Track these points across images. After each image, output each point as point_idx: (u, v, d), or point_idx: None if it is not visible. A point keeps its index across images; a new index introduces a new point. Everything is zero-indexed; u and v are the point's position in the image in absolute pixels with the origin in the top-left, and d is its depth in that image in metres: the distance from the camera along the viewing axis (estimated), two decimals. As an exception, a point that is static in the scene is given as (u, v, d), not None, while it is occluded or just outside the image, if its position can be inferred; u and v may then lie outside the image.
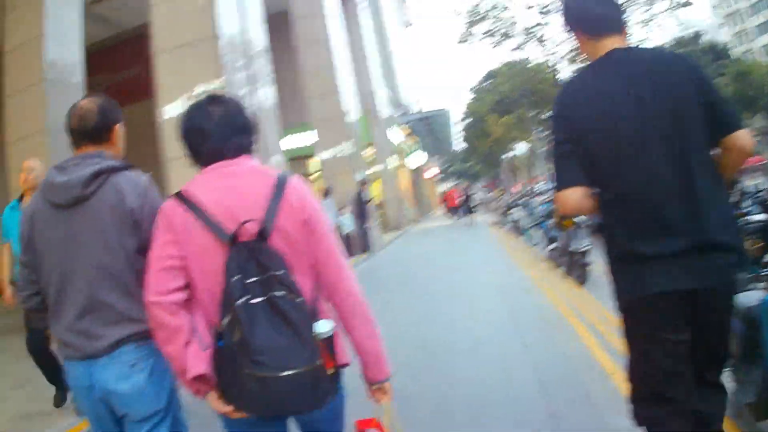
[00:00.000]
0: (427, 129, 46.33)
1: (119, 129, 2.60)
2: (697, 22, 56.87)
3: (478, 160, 74.26)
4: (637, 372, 2.61)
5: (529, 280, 10.49)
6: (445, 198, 40.92)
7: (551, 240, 12.46)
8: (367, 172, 29.96)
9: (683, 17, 46.79)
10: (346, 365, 2.27)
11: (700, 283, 2.36)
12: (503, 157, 67.50)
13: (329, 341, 2.12)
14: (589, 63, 2.63)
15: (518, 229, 20.01)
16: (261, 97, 11.39)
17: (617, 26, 2.62)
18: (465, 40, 34.55)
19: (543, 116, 44.62)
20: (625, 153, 2.42)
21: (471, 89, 62.94)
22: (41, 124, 8.88)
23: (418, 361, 6.13)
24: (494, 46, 33.71)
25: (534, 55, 36.96)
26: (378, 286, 12.08)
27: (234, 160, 2.23)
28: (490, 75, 56.29)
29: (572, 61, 34.04)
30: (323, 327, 2.09)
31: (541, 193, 24.33)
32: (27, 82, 9.21)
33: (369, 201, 18.85)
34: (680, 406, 2.48)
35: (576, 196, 2.49)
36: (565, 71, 35.25)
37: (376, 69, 30.63)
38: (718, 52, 55.88)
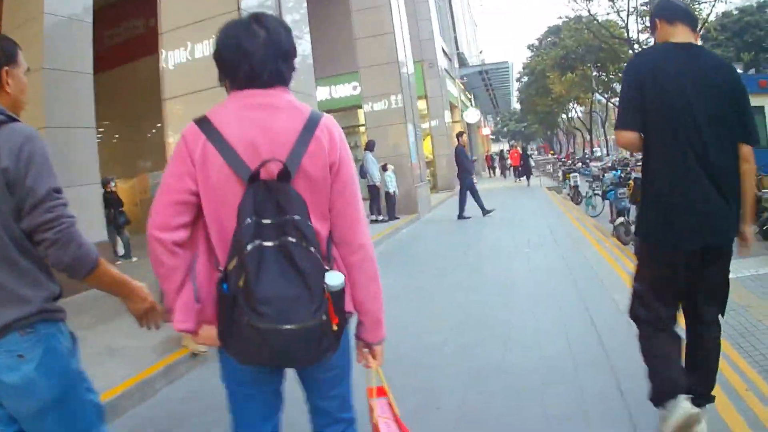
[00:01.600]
0: (486, 84, 44.15)
1: (12, 73, 2.23)
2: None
3: (535, 120, 72.05)
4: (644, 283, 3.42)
5: (598, 264, 8.83)
6: (510, 156, 39.57)
7: (620, 213, 11.34)
8: (422, 127, 28.38)
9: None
10: (350, 315, 2.21)
11: (708, 242, 3.14)
12: (562, 117, 65.27)
13: (339, 296, 2.01)
14: (666, 42, 3.31)
15: (578, 196, 18.92)
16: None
17: (691, 22, 3.35)
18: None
19: (607, 76, 42.65)
20: (670, 122, 3.12)
21: (529, 46, 60.29)
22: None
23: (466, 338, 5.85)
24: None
25: (602, 10, 36.44)
26: (416, 258, 10.49)
27: (269, 91, 2.13)
28: (552, 31, 53.78)
29: (642, 16, 32.47)
30: (335, 279, 1.97)
31: (598, 159, 22.82)
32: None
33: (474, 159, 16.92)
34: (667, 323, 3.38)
35: (631, 136, 3.24)
36: (633, 30, 33.82)
37: (434, 15, 28.44)
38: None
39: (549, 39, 54.56)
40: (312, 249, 1.92)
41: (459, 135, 17.78)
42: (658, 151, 3.18)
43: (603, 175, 14.72)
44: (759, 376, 4.34)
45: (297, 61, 2.23)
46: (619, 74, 41.44)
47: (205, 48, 8.21)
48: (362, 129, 20.90)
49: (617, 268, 8.30)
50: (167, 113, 8.70)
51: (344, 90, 24.12)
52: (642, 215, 3.41)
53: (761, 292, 7.84)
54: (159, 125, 21.31)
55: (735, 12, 48.40)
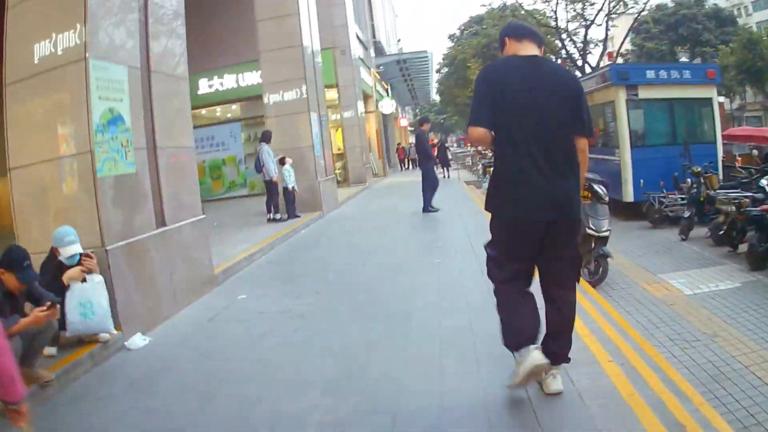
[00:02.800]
0: (404, 74, 42.94)
1: None
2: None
3: (455, 112, 71.35)
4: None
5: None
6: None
7: None
8: (333, 118, 26.87)
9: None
10: None
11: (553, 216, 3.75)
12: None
13: None
14: (514, 55, 3.96)
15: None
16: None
17: (537, 39, 4.00)
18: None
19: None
20: (517, 117, 3.73)
21: (450, 36, 59.32)
22: None
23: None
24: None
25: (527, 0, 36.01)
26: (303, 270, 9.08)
27: None
28: (475, 20, 53.00)
29: (573, 2, 32.10)
30: None
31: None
32: None
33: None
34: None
35: (482, 132, 3.80)
36: (562, 19, 33.41)
37: (348, 0, 26.97)
38: (723, 19, 52.79)
39: (471, 29, 53.70)
40: None
41: (422, 121, 16.69)
42: (508, 146, 3.78)
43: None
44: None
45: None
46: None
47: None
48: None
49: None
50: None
51: (252, 78, 22.44)
52: (493, 196, 3.98)
53: (726, 314, 6.87)
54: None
55: (670, 4, 48.66)
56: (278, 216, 14.25)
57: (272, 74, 16.05)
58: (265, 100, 16.18)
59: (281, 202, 14.46)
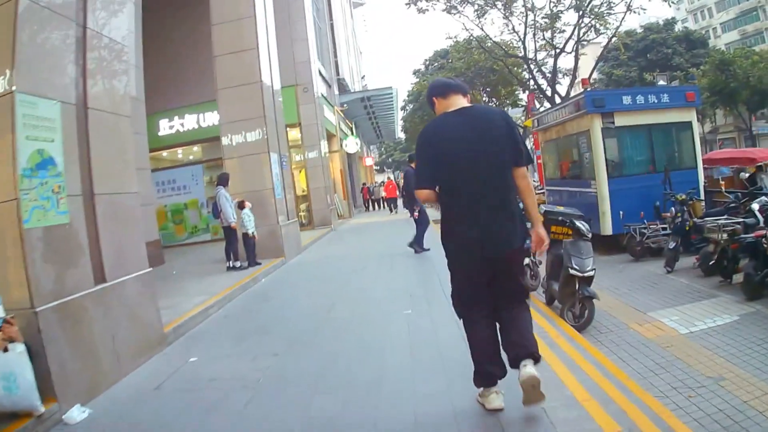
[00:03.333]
0: (368, 112, 42.56)
1: None
2: (660, 14, 54.37)
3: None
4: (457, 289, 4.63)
5: None
6: (384, 188, 37.82)
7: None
8: (296, 159, 26.15)
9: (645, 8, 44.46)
10: None
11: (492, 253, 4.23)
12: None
13: None
14: (444, 112, 4.39)
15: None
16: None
17: (461, 90, 4.49)
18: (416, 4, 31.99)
19: (499, 101, 42.00)
20: (455, 172, 4.21)
21: (415, 72, 59.06)
22: None
23: None
24: (449, 11, 31.46)
25: (496, 30, 35.96)
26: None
27: None
28: (440, 54, 52.87)
29: (542, 30, 32.10)
30: None
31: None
32: None
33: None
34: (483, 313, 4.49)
35: (427, 192, 4.35)
36: (530, 49, 33.39)
37: (311, 36, 26.46)
38: (693, 42, 53.26)
39: (436, 63, 53.57)
40: None
41: (411, 158, 15.74)
42: (448, 196, 4.33)
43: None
44: None
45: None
46: (511, 98, 41.16)
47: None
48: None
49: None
50: None
51: (213, 118, 21.58)
52: (443, 240, 4.49)
53: (729, 353, 6.21)
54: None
55: (639, 30, 48.99)
56: (238, 264, 13.37)
57: (230, 112, 15.29)
58: (223, 139, 15.37)
59: (241, 249, 13.60)
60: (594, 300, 7.49)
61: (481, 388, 4.55)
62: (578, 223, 7.82)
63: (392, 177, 57.72)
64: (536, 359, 4.28)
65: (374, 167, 60.29)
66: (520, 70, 36.73)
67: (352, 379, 5.70)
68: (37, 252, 5.46)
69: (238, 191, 14.36)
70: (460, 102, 4.41)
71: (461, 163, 4.16)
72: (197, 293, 10.41)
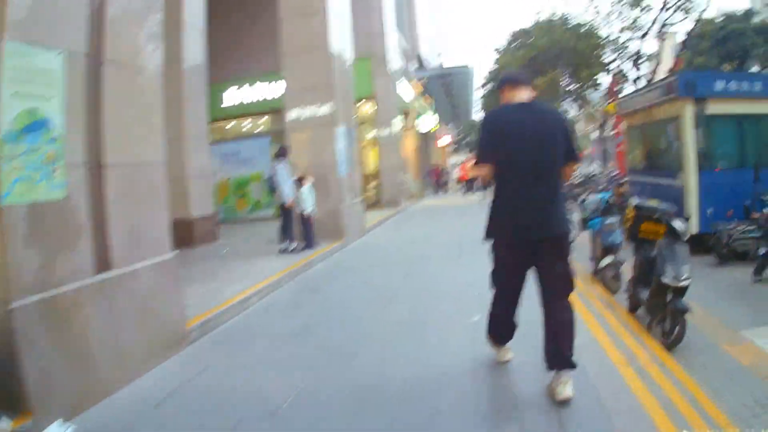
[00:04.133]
0: (445, 89, 40.97)
1: None
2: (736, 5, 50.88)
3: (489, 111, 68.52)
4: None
5: (589, 354, 5.34)
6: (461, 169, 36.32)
7: (607, 250, 8.49)
8: (369, 136, 25.04)
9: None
10: None
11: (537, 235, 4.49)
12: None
13: None
14: (510, 103, 4.75)
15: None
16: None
17: (528, 82, 4.83)
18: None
19: (581, 84, 40.24)
20: (512, 156, 4.49)
21: (496, 49, 56.83)
22: None
23: None
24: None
25: (577, 10, 34.96)
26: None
27: None
28: (520, 34, 50.66)
29: (621, 15, 30.49)
30: None
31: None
32: None
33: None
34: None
35: (486, 168, 4.63)
36: (612, 30, 32.54)
37: (389, 6, 25.15)
38: (772, 34, 49.75)
39: (514, 44, 51.39)
40: None
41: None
42: (505, 177, 4.59)
43: (584, 198, 11.36)
44: None
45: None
46: (592, 79, 39.27)
47: None
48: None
49: (615, 357, 5.28)
50: None
51: (282, 88, 20.61)
52: (491, 220, 4.76)
53: None
54: None
55: (719, 18, 46.39)
56: (293, 246, 12.30)
57: (295, 80, 14.17)
58: (287, 109, 14.30)
59: (298, 230, 12.53)
60: (687, 314, 6.04)
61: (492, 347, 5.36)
62: (675, 222, 6.35)
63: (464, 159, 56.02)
64: (573, 366, 4.55)
65: (449, 148, 58.45)
66: (601, 52, 34.84)
67: (404, 410, 4.50)
68: (19, 233, 4.45)
69: (300, 166, 13.25)
70: (526, 96, 4.74)
71: (519, 151, 4.49)
72: (240, 278, 9.36)
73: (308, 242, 12.51)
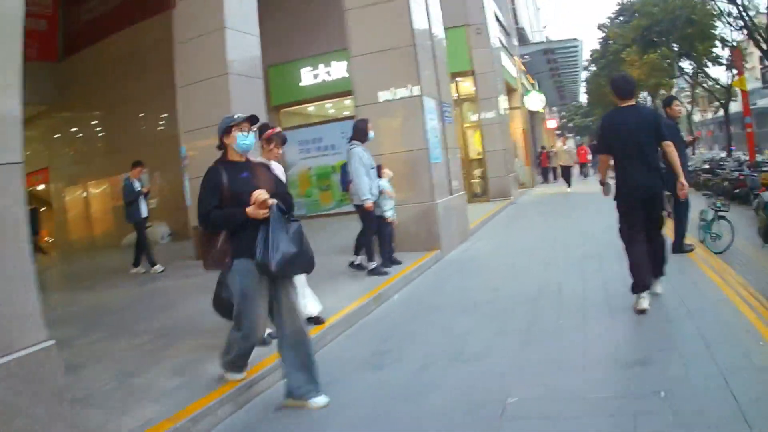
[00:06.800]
0: (551, 67, 36.97)
1: None
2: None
3: (603, 114, 63.66)
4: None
5: None
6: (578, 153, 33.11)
7: None
8: (471, 118, 21.80)
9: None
10: None
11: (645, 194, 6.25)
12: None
13: None
14: (620, 107, 6.43)
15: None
16: None
17: (632, 93, 6.47)
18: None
19: (697, 58, 36.41)
20: (623, 147, 6.25)
21: (600, 26, 51.87)
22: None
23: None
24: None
25: None
26: None
27: None
28: (625, 8, 45.88)
29: None
30: None
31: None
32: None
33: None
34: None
35: (605, 157, 6.65)
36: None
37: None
38: None
39: (620, 19, 46.71)
40: None
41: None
42: (621, 161, 6.34)
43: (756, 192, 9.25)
44: None
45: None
46: (708, 53, 36.44)
47: None
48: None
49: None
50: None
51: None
52: (618, 188, 6.34)
53: None
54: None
55: None
56: (372, 265, 8.76)
57: (365, 38, 10.83)
58: (355, 76, 11.02)
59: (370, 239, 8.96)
60: None
61: (635, 296, 6.17)
62: None
63: (572, 143, 51.88)
64: (663, 273, 6.59)
65: (556, 131, 54.14)
66: (713, 21, 31.30)
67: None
68: None
69: (377, 153, 9.68)
70: (630, 101, 6.45)
71: (626, 143, 6.27)
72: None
73: (385, 257, 9.10)
